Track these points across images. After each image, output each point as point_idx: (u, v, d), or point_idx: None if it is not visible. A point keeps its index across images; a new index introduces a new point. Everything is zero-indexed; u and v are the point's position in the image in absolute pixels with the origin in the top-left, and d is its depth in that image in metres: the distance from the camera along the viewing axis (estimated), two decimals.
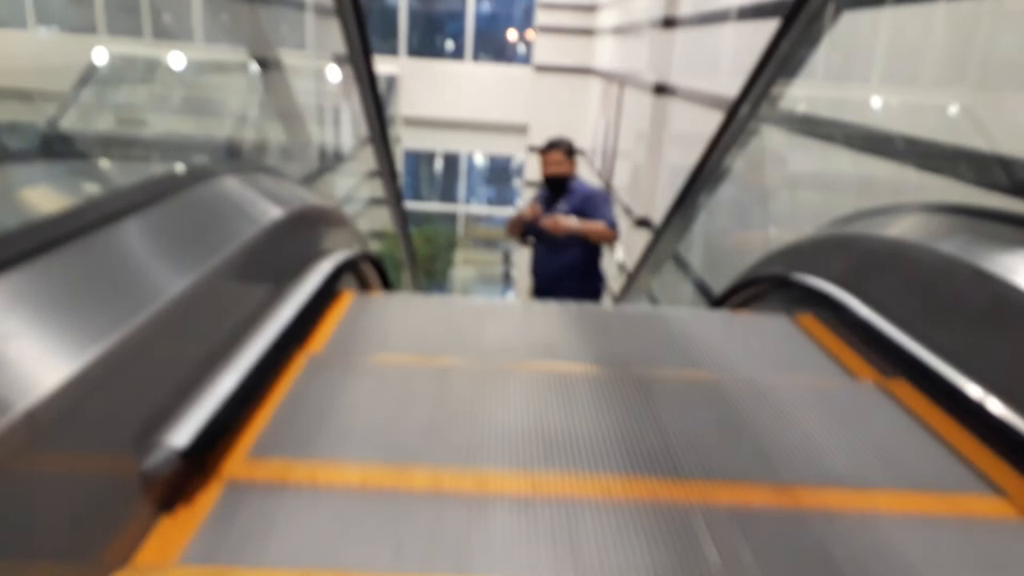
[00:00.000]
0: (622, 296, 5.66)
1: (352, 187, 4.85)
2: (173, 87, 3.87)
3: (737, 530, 1.02)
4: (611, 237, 3.41)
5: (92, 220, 1.02)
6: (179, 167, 1.31)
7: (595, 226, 3.38)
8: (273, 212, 1.47)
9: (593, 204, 3.43)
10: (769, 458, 1.21)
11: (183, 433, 0.99)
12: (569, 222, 3.35)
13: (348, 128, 4.70)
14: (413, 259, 5.88)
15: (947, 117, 2.22)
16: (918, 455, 1.25)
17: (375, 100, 3.69)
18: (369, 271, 2.27)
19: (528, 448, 1.20)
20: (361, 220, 4.98)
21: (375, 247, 5.54)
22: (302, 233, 1.70)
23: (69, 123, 3.36)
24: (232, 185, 1.44)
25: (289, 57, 3.42)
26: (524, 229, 3.66)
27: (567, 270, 3.55)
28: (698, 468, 1.16)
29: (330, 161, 4.40)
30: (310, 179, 3.67)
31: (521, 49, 13.81)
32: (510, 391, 1.38)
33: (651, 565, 0.94)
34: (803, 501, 1.10)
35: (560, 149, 3.45)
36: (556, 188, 3.50)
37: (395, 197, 4.91)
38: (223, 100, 3.71)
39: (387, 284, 2.46)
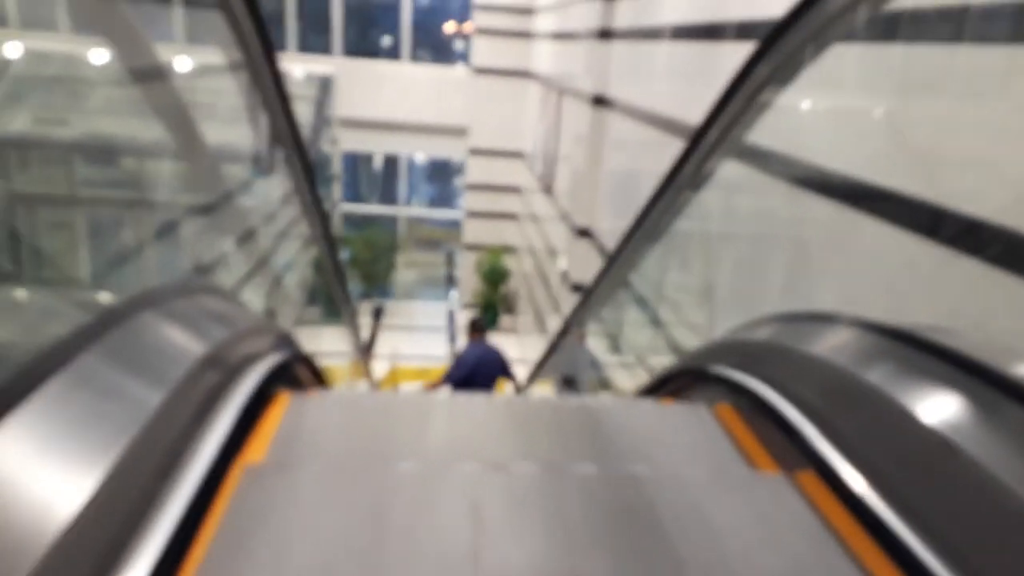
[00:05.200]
0: (573, 317, 5.69)
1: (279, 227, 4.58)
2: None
3: None
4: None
5: None
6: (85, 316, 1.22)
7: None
8: (185, 359, 1.45)
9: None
10: (676, 554, 1.31)
11: None
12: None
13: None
14: (342, 283, 5.75)
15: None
16: (812, 550, 1.37)
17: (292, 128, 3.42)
18: (302, 371, 2.35)
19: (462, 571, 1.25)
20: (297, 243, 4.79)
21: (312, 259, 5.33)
22: (226, 360, 1.71)
23: None
24: (147, 326, 1.42)
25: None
26: None
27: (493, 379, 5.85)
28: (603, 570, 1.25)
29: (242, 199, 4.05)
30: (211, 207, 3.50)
31: (460, 45, 13.72)
32: (446, 503, 1.44)
33: None
34: None
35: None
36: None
37: (327, 240, 4.77)
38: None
39: (320, 380, 2.57)
